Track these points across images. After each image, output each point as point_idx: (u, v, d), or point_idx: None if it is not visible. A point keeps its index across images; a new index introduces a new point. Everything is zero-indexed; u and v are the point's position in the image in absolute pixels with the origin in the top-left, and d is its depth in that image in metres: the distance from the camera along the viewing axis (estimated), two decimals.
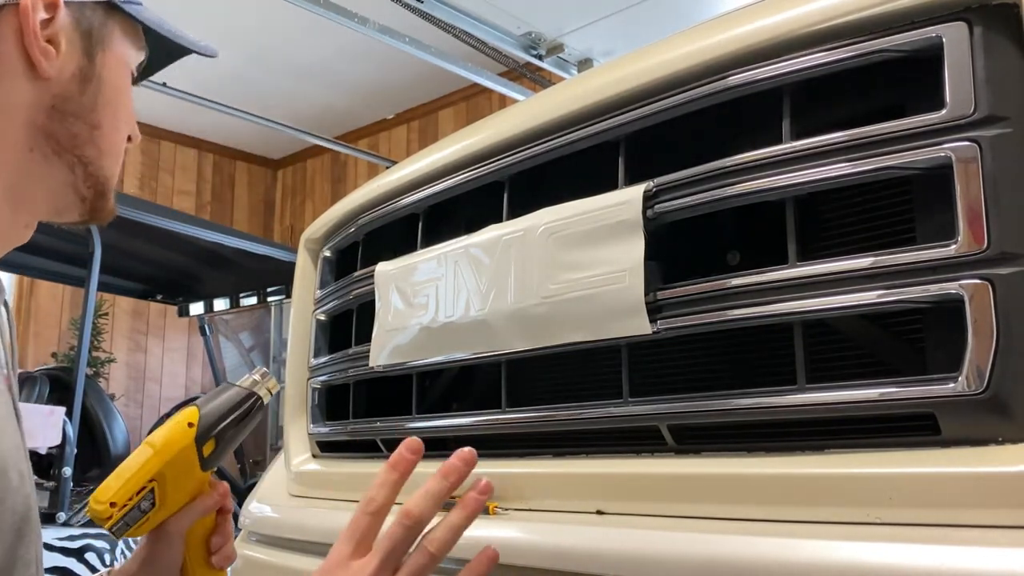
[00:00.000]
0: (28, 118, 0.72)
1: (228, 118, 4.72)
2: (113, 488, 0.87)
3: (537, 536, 0.91)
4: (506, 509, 0.99)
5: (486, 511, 0.99)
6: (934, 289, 0.69)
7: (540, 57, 3.94)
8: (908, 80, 0.79)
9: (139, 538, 0.94)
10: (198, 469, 0.90)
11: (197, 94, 3.92)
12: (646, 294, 0.85)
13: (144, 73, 0.89)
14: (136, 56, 0.81)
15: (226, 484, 0.97)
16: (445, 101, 5.43)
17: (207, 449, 0.90)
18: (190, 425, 0.90)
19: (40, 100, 0.72)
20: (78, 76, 0.74)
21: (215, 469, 0.93)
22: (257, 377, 0.96)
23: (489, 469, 1.06)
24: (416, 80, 5.09)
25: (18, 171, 0.72)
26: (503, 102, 4.65)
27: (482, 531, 0.97)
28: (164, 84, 3.89)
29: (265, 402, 0.95)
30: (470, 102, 5.29)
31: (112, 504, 0.87)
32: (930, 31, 0.73)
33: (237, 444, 0.95)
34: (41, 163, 0.73)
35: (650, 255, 0.86)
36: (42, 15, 0.71)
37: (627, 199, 0.88)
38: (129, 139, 0.84)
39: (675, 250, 0.90)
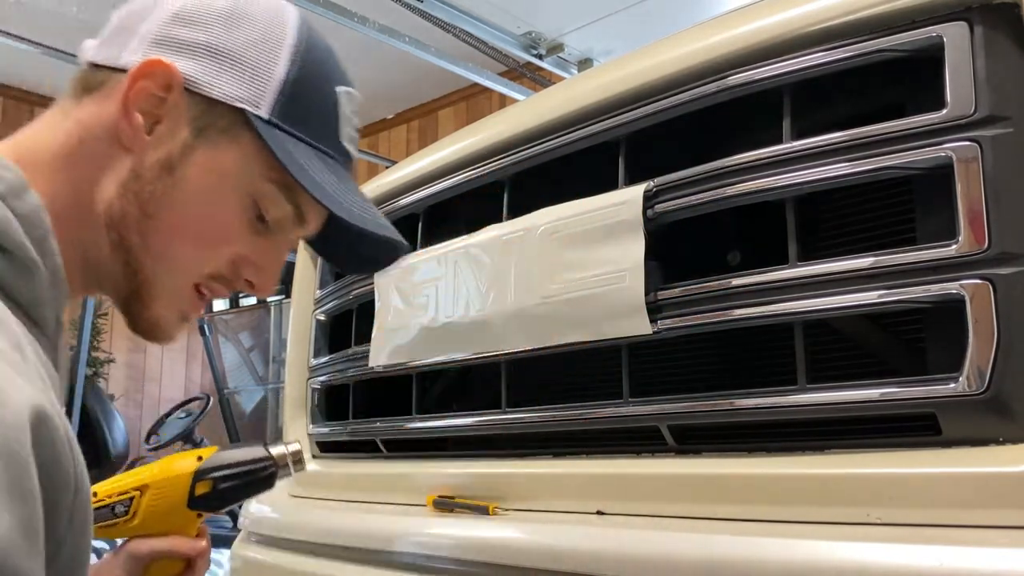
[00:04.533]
0: (104, 178, 0.67)
1: None
2: (107, 482, 0.87)
3: (537, 536, 0.91)
4: (506, 509, 0.99)
5: (486, 511, 0.99)
6: (935, 289, 0.69)
7: (540, 57, 3.94)
8: (908, 80, 0.79)
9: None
10: (183, 503, 0.87)
11: None
12: (646, 294, 0.85)
13: (326, 244, 0.78)
14: (269, 189, 0.69)
15: (208, 545, 0.91)
16: (445, 101, 5.42)
17: (200, 488, 0.88)
18: (199, 459, 0.89)
19: (116, 167, 0.67)
20: (162, 162, 0.67)
21: (203, 516, 0.89)
22: (287, 450, 0.91)
23: (489, 469, 1.06)
24: (416, 80, 5.08)
25: (84, 226, 0.67)
26: (503, 102, 4.64)
27: (482, 531, 0.97)
28: None
29: (279, 476, 0.91)
30: (470, 102, 5.28)
31: (93, 494, 0.85)
32: (931, 31, 0.73)
33: (233, 502, 0.91)
34: (98, 229, 0.68)
35: (650, 255, 0.86)
36: (150, 90, 0.66)
37: (627, 199, 0.88)
38: (250, 283, 0.72)
39: (675, 250, 0.90)
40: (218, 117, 0.68)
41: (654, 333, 0.86)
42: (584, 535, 0.87)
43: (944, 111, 0.70)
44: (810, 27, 0.79)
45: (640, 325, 0.86)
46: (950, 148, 0.69)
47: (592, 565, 0.83)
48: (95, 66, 0.69)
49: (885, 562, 0.65)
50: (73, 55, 0.74)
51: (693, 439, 0.88)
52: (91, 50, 0.70)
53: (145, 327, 0.72)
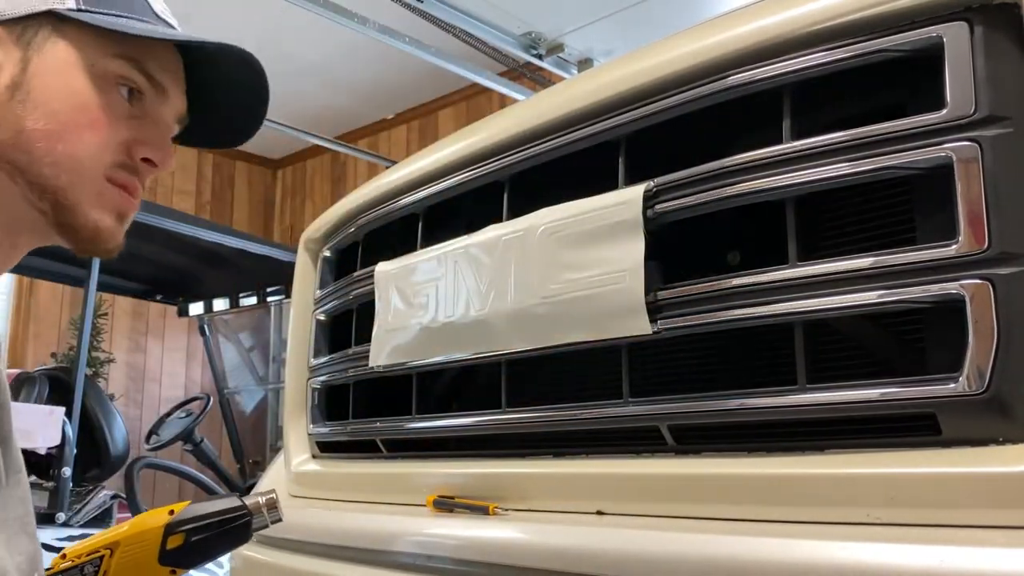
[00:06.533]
0: None
1: None
2: (79, 544, 0.85)
3: (537, 536, 0.91)
4: (506, 509, 0.99)
5: (486, 511, 0.99)
6: (935, 289, 0.69)
7: (540, 57, 3.94)
8: (908, 80, 0.79)
9: None
10: (154, 559, 0.85)
11: None
12: (646, 294, 0.85)
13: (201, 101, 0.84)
14: (113, 64, 0.76)
15: None
16: (445, 101, 5.42)
17: (172, 542, 0.85)
18: (170, 512, 0.86)
19: None
20: (10, 85, 0.73)
21: (177, 573, 0.86)
22: (262, 500, 0.91)
23: (489, 469, 1.06)
24: (416, 80, 5.08)
25: None
26: (503, 102, 4.64)
27: (482, 531, 0.97)
28: None
29: (255, 525, 0.90)
30: (470, 102, 5.28)
31: (63, 556, 0.84)
32: (931, 31, 0.73)
33: (207, 555, 0.88)
34: None
35: (650, 255, 0.86)
36: None
37: (627, 199, 0.88)
38: (151, 162, 0.79)
39: (675, 250, 0.90)
40: (37, 27, 0.74)
41: (654, 333, 0.86)
42: (584, 535, 0.87)
43: (944, 111, 0.70)
44: (810, 27, 0.79)
45: (640, 325, 0.86)
46: (950, 148, 0.69)
47: (592, 565, 0.83)
48: None
49: (885, 562, 0.65)
50: None
51: (693, 439, 0.88)
52: None
53: (88, 237, 0.76)
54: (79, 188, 0.75)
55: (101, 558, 0.84)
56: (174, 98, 0.82)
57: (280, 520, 0.92)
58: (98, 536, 0.86)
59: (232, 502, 0.89)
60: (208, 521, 0.87)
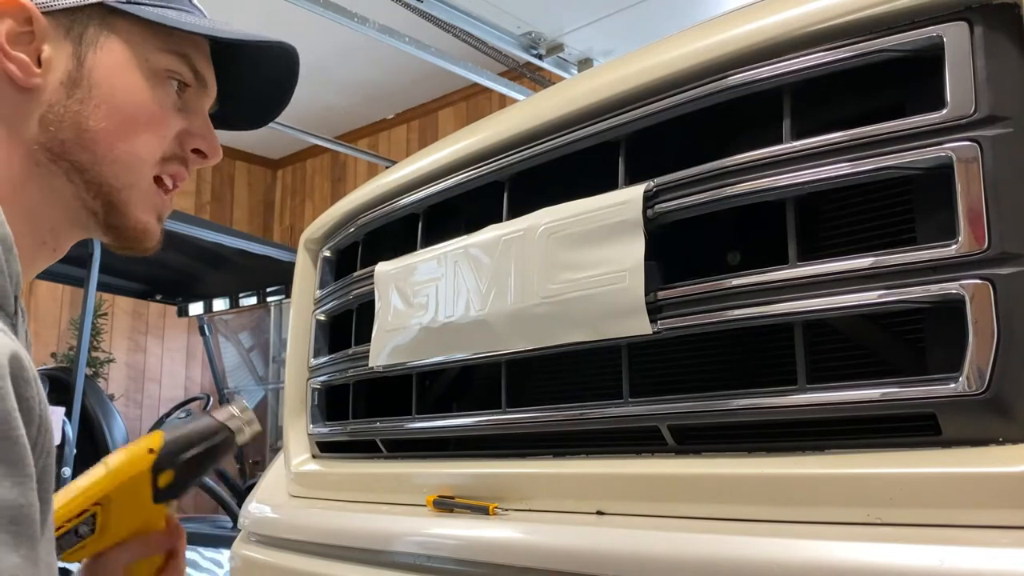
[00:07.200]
0: (23, 131, 0.71)
1: None
2: (60, 506, 0.81)
3: (537, 536, 0.91)
4: (506, 509, 0.99)
5: (486, 511, 0.99)
6: (935, 289, 0.69)
7: (540, 57, 3.94)
8: (908, 80, 0.79)
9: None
10: (150, 500, 0.83)
11: None
12: (646, 294, 0.85)
13: (230, 90, 0.84)
14: (164, 59, 0.76)
15: (181, 527, 0.89)
16: (445, 101, 5.42)
17: (163, 480, 0.83)
18: (150, 451, 0.83)
19: (29, 111, 0.71)
20: (66, 82, 0.72)
21: (170, 503, 0.86)
22: (236, 411, 0.89)
23: (489, 469, 1.06)
24: (416, 80, 5.08)
25: (26, 187, 0.71)
26: (503, 102, 4.64)
27: (482, 531, 0.97)
28: None
29: (238, 440, 0.88)
30: (470, 102, 5.28)
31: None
32: (931, 31, 0.73)
33: (199, 479, 0.88)
34: (44, 176, 0.72)
35: (650, 255, 0.86)
36: (15, 28, 0.70)
37: (627, 199, 0.88)
38: (201, 153, 0.79)
39: (675, 250, 0.90)
40: (87, 19, 0.73)
41: (654, 333, 0.86)
42: (584, 535, 0.87)
43: (944, 111, 0.70)
44: (810, 27, 0.79)
45: (640, 325, 0.86)
46: (950, 148, 0.69)
47: (592, 565, 0.83)
48: None
49: (885, 562, 0.65)
50: None
51: (693, 439, 0.88)
52: None
53: (134, 236, 0.77)
54: (133, 188, 0.75)
55: (94, 515, 0.81)
56: (209, 83, 0.81)
57: (259, 430, 0.91)
58: (79, 495, 0.82)
59: (211, 424, 0.87)
60: (195, 451, 0.85)
